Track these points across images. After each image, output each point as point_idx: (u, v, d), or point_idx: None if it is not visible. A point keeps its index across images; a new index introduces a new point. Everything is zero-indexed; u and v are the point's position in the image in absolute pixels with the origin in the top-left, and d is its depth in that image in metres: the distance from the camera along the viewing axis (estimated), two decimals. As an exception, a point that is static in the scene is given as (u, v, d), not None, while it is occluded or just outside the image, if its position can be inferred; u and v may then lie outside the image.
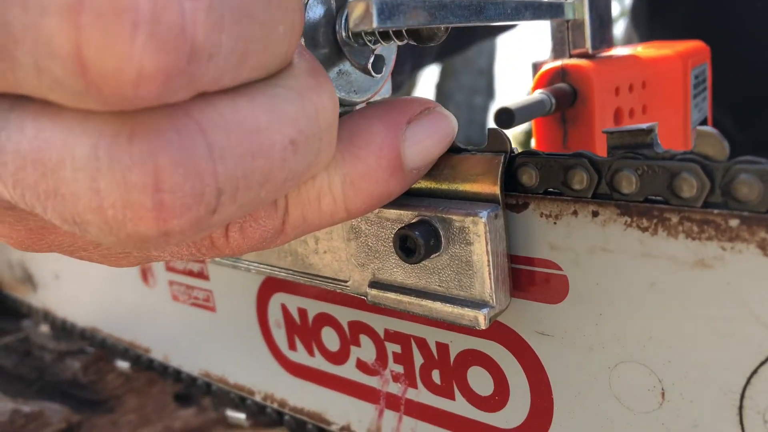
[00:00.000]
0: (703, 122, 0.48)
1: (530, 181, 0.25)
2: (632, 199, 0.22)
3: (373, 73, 0.27)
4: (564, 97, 0.34)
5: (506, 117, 0.29)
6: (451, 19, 0.24)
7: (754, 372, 0.21)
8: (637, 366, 0.24)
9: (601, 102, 0.34)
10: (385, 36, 0.26)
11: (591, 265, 0.24)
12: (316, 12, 0.27)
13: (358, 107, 0.30)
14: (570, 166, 0.23)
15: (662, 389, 0.24)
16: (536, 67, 0.37)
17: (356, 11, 0.21)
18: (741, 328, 0.21)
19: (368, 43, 0.26)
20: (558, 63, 0.35)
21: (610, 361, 0.25)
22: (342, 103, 0.29)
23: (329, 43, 0.28)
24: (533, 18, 0.31)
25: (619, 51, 0.40)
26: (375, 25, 0.21)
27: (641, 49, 0.41)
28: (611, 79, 0.35)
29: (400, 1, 0.21)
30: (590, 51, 0.36)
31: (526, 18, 0.30)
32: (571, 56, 0.36)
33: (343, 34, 0.27)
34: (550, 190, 0.24)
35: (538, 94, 0.33)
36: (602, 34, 0.37)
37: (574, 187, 0.23)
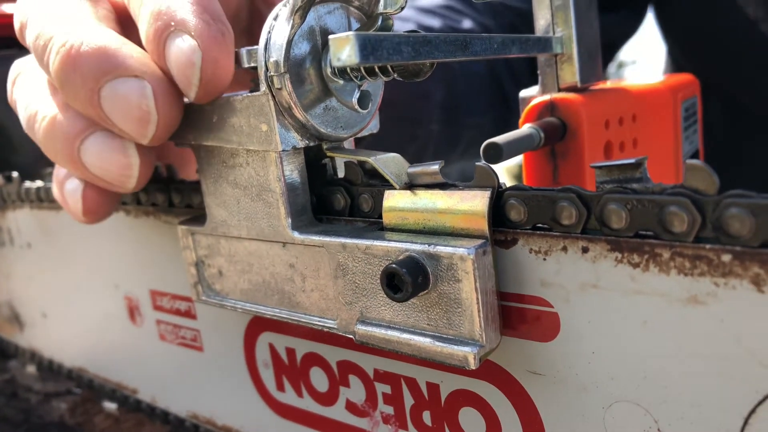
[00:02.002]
0: (695, 155, 0.48)
1: (518, 217, 0.24)
2: (622, 235, 0.22)
3: (359, 109, 0.27)
4: (553, 131, 0.34)
5: (494, 152, 0.29)
6: (436, 54, 0.24)
7: (752, 412, 0.21)
8: (631, 406, 0.23)
9: (590, 135, 0.34)
10: (370, 72, 0.26)
11: (582, 303, 0.23)
12: (301, 48, 0.27)
13: (345, 144, 0.30)
14: (558, 200, 0.23)
15: (658, 430, 0.23)
16: (525, 101, 0.37)
17: (338, 47, 0.21)
18: (737, 367, 0.21)
19: (354, 79, 0.26)
20: (547, 97, 0.35)
21: (604, 401, 0.24)
22: (329, 139, 0.29)
23: (315, 79, 0.28)
24: (520, 52, 0.31)
25: (608, 84, 0.40)
26: (357, 61, 0.20)
27: (631, 83, 0.41)
28: (600, 112, 0.35)
29: (383, 37, 0.21)
30: (579, 84, 0.36)
31: (513, 52, 0.30)
32: (560, 90, 0.36)
33: (329, 70, 0.27)
34: (539, 225, 0.24)
35: (527, 128, 0.32)
36: (591, 68, 0.37)
37: (562, 222, 0.23)
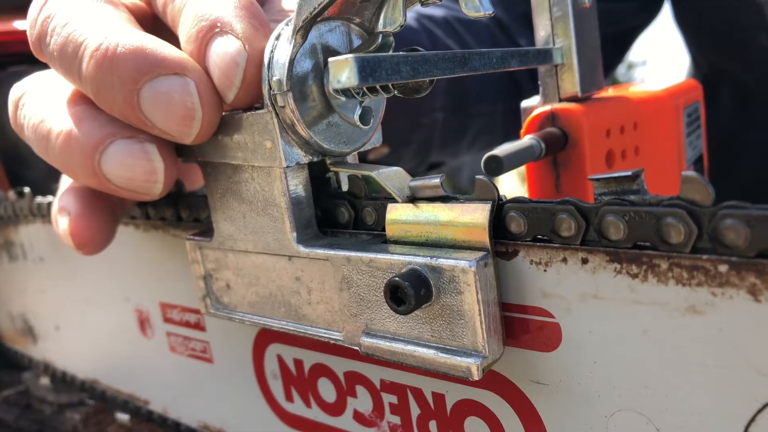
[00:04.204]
0: (699, 160, 0.48)
1: (519, 229, 0.24)
2: (621, 246, 0.22)
3: (361, 126, 0.28)
4: (554, 141, 0.34)
5: (495, 165, 0.29)
6: (435, 72, 0.24)
7: (752, 420, 0.21)
8: (634, 415, 0.24)
9: (592, 145, 0.35)
10: (371, 89, 0.26)
11: (583, 313, 0.24)
12: (304, 66, 0.27)
13: (348, 158, 0.31)
14: (557, 213, 0.23)
15: (660, 438, 0.23)
16: (526, 111, 0.37)
17: (338, 70, 0.21)
18: (736, 376, 0.21)
19: (355, 96, 0.27)
20: (548, 107, 0.35)
21: (607, 410, 0.24)
22: (332, 154, 0.30)
23: (318, 96, 0.28)
24: (520, 65, 0.32)
25: (609, 93, 0.40)
26: (356, 83, 0.21)
27: (632, 90, 0.41)
28: (601, 121, 0.36)
29: (381, 58, 0.22)
30: (580, 94, 0.36)
31: (513, 66, 0.31)
32: (560, 100, 0.36)
33: (331, 87, 0.27)
34: (539, 237, 0.24)
35: (528, 139, 0.33)
36: (591, 77, 0.37)
37: (562, 234, 0.23)
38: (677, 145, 0.41)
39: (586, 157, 0.34)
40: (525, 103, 0.38)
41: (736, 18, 0.70)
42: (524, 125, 0.35)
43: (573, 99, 0.36)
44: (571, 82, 0.36)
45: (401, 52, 0.24)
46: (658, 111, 0.40)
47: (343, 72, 0.21)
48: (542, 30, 0.36)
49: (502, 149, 0.30)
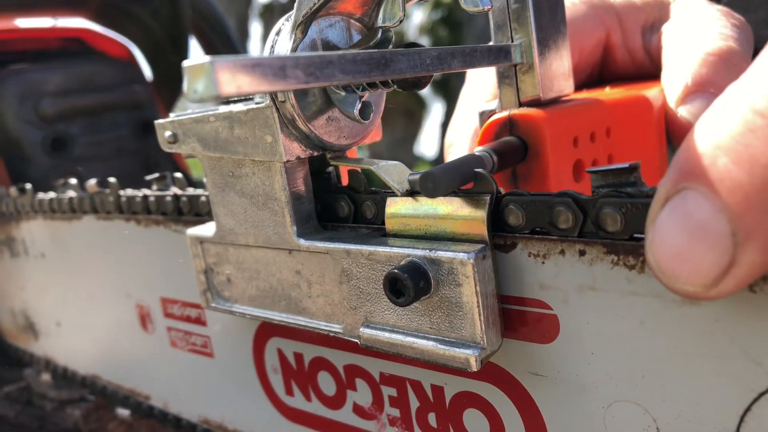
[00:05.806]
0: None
1: (517, 222, 0.25)
2: (618, 238, 0.22)
3: (361, 120, 0.28)
4: (512, 151, 0.30)
5: (432, 185, 0.24)
6: (339, 76, 0.21)
7: (747, 409, 0.21)
8: (631, 405, 0.24)
9: (556, 155, 0.30)
10: (371, 84, 0.26)
11: (580, 304, 0.24)
12: (304, 61, 0.27)
13: (347, 152, 0.31)
14: (555, 205, 0.24)
15: (657, 428, 0.23)
16: (483, 117, 0.33)
17: (193, 77, 0.17)
18: (732, 366, 0.21)
19: (355, 91, 0.27)
20: (505, 113, 0.31)
21: (604, 401, 0.24)
22: (332, 148, 0.30)
23: (318, 91, 0.28)
24: (465, 66, 0.28)
25: (578, 96, 0.35)
26: (217, 92, 0.17)
27: (607, 92, 0.37)
28: (567, 128, 0.31)
29: (256, 62, 0.18)
30: (542, 98, 0.32)
31: (455, 67, 0.27)
32: (520, 105, 0.32)
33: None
34: (537, 229, 0.25)
35: (477, 152, 0.29)
36: (557, 78, 0.33)
37: (560, 226, 0.24)
38: (659, 150, 0.37)
39: (549, 169, 0.30)
40: (482, 108, 0.34)
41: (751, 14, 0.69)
42: (479, 134, 0.31)
43: (535, 103, 0.32)
44: (532, 83, 0.31)
45: (325, 52, 0.22)
46: (634, 114, 0.36)
47: (199, 81, 0.17)
48: (498, 25, 0.32)
49: (441, 167, 0.26)
